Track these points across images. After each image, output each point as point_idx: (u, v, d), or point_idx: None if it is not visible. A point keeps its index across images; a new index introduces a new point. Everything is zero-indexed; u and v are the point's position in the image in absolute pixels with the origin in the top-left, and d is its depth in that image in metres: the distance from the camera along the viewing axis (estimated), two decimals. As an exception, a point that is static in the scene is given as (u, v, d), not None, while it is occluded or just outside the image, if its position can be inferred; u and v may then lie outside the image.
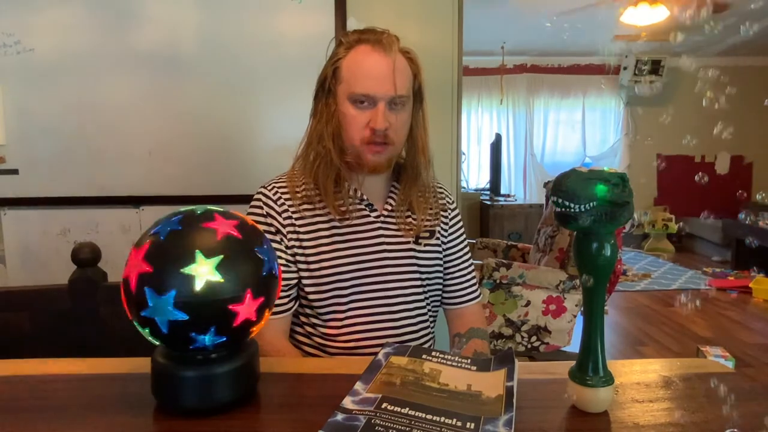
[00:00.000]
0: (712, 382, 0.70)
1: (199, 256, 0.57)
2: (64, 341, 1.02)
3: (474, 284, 1.11)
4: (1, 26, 1.68)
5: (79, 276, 1.02)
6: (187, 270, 0.56)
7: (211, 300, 0.57)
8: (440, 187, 1.12)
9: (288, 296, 0.99)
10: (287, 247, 0.97)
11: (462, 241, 1.12)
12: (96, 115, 1.72)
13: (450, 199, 1.13)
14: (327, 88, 0.97)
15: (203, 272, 0.56)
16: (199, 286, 0.56)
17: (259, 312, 0.61)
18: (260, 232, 0.65)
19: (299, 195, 0.99)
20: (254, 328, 0.63)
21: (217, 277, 0.57)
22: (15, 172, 1.74)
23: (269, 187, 1.01)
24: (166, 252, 0.57)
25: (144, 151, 1.75)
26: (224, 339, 0.59)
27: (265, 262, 0.62)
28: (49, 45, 1.69)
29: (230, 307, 0.58)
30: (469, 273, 1.11)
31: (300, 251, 0.97)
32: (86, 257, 1.02)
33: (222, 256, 0.58)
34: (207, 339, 0.58)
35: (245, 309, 0.59)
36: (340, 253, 0.97)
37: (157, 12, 1.70)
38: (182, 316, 0.56)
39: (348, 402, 0.58)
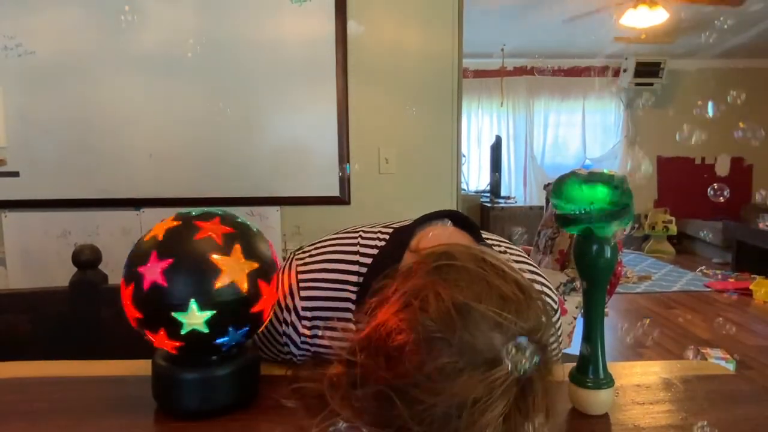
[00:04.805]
0: (712, 385, 0.69)
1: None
2: (64, 343, 1.02)
3: None
4: (2, 29, 1.68)
5: (79, 278, 1.02)
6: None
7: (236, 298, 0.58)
8: None
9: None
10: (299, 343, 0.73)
11: None
12: (97, 117, 1.73)
13: None
14: None
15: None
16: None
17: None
18: (259, 232, 0.65)
19: None
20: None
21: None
22: (16, 174, 1.74)
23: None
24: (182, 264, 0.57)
25: (144, 154, 1.75)
26: (246, 329, 0.61)
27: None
28: (50, 48, 1.69)
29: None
30: None
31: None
32: (87, 259, 1.02)
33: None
34: (235, 336, 0.59)
35: (264, 301, 0.61)
36: None
37: (158, 15, 1.71)
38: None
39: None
